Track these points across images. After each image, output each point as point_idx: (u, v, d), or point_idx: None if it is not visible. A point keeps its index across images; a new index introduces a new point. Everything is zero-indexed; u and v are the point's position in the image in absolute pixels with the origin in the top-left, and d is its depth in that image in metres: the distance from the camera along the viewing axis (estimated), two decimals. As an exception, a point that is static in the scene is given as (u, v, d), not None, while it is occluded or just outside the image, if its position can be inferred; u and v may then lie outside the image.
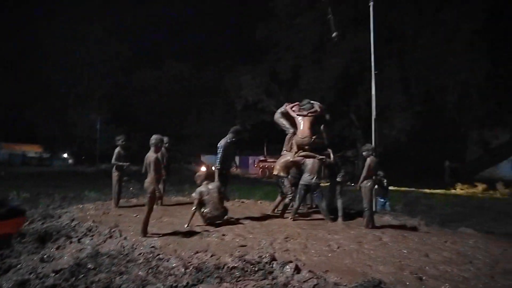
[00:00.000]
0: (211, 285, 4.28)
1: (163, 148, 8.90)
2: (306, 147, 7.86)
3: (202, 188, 6.90)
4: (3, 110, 40.85)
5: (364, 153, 7.42)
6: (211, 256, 4.90)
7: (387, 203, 10.88)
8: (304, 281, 4.21)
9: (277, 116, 8.70)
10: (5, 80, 39.25)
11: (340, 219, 7.68)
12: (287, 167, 8.13)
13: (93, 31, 39.95)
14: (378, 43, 10.62)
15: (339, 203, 7.87)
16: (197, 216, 6.83)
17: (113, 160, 8.70)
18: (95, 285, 4.51)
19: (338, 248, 5.59)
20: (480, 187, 21.36)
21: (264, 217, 7.85)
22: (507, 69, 23.59)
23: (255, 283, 4.20)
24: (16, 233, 6.52)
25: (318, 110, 8.19)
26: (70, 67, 40.25)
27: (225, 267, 4.56)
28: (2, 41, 42.39)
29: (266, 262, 4.62)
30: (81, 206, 8.99)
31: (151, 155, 6.09)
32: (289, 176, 8.21)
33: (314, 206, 8.64)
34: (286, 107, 8.59)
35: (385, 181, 10.61)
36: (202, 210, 6.84)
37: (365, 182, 7.23)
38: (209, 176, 7.30)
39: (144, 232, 6.01)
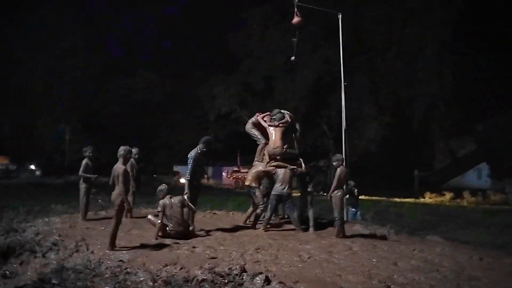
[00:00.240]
0: (180, 299, 4.22)
1: (132, 160, 8.77)
2: (278, 157, 7.90)
3: (166, 201, 6.80)
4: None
5: (334, 163, 7.51)
6: (181, 269, 4.83)
7: (358, 213, 10.99)
8: (274, 292, 4.20)
9: (249, 127, 8.72)
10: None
11: (311, 229, 7.72)
12: (259, 177, 8.14)
13: (62, 40, 39.16)
14: (349, 55, 10.86)
15: (310, 213, 7.92)
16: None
17: (80, 172, 8.49)
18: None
19: (308, 258, 5.61)
20: (448, 195, 21.97)
21: (235, 228, 7.81)
22: (472, 81, 24.50)
23: (225, 296, 4.16)
24: None
25: (289, 120, 8.27)
26: (38, 76, 39.19)
27: (195, 280, 4.51)
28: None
29: (236, 274, 4.58)
30: (47, 219, 8.68)
31: (119, 167, 5.97)
32: (261, 187, 8.21)
33: (286, 216, 8.64)
34: (258, 117, 8.63)
35: (356, 190, 10.74)
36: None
37: (335, 192, 7.31)
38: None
39: (112, 246, 5.87)
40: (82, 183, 8.56)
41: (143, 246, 6.09)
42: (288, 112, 8.60)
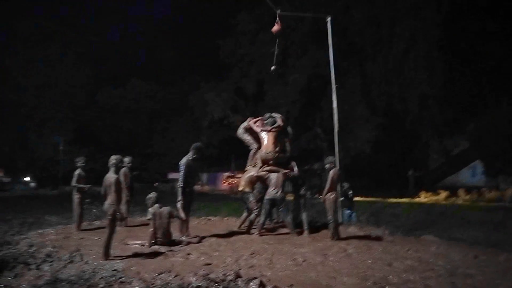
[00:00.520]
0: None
1: (126, 168, 8.77)
2: (270, 161, 7.92)
3: (156, 210, 6.79)
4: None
5: (326, 166, 7.53)
6: (175, 276, 4.81)
7: (353, 214, 11.02)
8: (269, 297, 4.20)
9: (240, 132, 8.74)
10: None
11: (306, 232, 7.73)
12: (252, 182, 8.16)
13: (53, 51, 39.11)
14: (339, 57, 10.88)
15: (304, 216, 7.93)
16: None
17: (73, 182, 8.48)
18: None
19: (303, 261, 5.62)
20: (443, 194, 21.96)
21: (230, 234, 7.81)
22: (463, 79, 24.67)
23: (220, 302, 4.15)
24: None
25: (281, 124, 8.29)
26: (30, 88, 39.05)
27: (189, 286, 4.49)
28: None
29: (231, 280, 4.57)
30: (40, 231, 8.65)
31: (111, 176, 5.97)
32: (255, 192, 8.22)
33: (280, 220, 8.65)
34: (249, 122, 8.65)
35: (350, 192, 10.77)
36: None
37: (329, 194, 7.33)
38: None
39: (106, 255, 5.85)
40: (75, 193, 8.55)
41: (137, 254, 6.07)
42: (280, 115, 8.63)
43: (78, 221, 8.57)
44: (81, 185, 8.47)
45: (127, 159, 8.88)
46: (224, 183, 31.04)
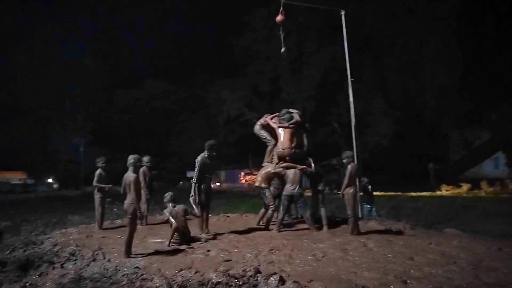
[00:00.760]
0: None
1: (145, 167, 8.88)
2: (287, 158, 7.90)
3: (171, 210, 6.85)
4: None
5: (344, 161, 7.48)
6: (195, 272, 4.85)
7: (373, 209, 10.92)
8: (289, 292, 4.19)
9: (257, 128, 8.74)
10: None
11: (325, 228, 7.69)
12: (268, 178, 8.16)
13: (71, 53, 39.89)
14: (354, 51, 10.75)
15: (323, 212, 7.89)
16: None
17: (94, 182, 8.61)
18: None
19: (323, 256, 5.59)
20: (465, 187, 21.65)
21: (249, 231, 7.82)
22: (482, 68, 24.15)
23: (240, 298, 4.17)
24: None
25: (299, 119, 8.26)
26: (49, 90, 39.82)
27: (210, 283, 4.52)
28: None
29: (251, 276, 4.58)
30: (64, 230, 8.83)
31: (130, 175, 6.04)
32: (272, 188, 8.22)
33: (299, 216, 8.63)
34: (266, 118, 8.65)
35: (369, 187, 10.69)
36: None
37: (347, 189, 7.27)
38: None
39: (128, 253, 5.93)
40: (96, 193, 8.68)
41: (158, 252, 6.14)
42: (298, 111, 8.59)
43: (100, 220, 8.70)
44: (102, 185, 8.60)
45: (146, 159, 8.98)
46: (241, 180, 31.18)
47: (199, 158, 7.40)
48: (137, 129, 40.38)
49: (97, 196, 8.67)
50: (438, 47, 23.38)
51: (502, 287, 4.37)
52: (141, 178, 8.22)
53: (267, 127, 8.58)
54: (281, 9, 9.41)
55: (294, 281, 4.36)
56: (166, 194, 7.14)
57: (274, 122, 8.40)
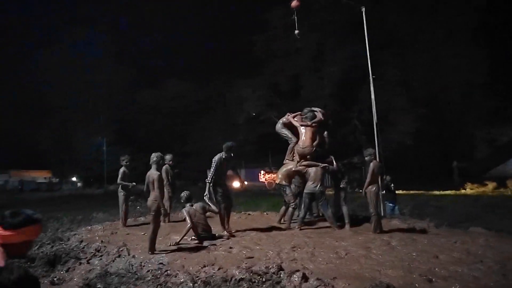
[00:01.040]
0: (220, 299, 4.28)
1: (167, 166, 8.98)
2: (308, 156, 7.88)
3: (189, 209, 6.87)
4: (9, 137, 41.40)
5: (366, 158, 7.42)
6: (219, 269, 4.90)
7: (396, 207, 10.80)
8: (312, 289, 4.19)
9: (279, 127, 8.75)
10: (10, 108, 39.94)
11: (347, 226, 7.65)
12: (289, 176, 8.16)
13: (94, 54, 40.72)
14: (376, 48, 10.64)
15: (345, 210, 7.85)
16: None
17: (118, 180, 8.77)
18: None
19: (346, 254, 5.57)
20: (490, 185, 21.11)
21: (271, 228, 7.84)
22: (508, 64, 23.55)
23: (263, 294, 4.19)
24: (34, 240, 6.54)
25: (322, 118, 8.23)
26: (73, 91, 40.72)
27: (233, 279, 4.56)
28: (3, 68, 43.35)
29: (273, 272, 4.59)
30: (89, 227, 9.01)
31: (153, 173, 6.14)
32: (293, 185, 8.22)
33: (320, 214, 8.60)
34: (288, 117, 8.65)
35: (392, 185, 10.58)
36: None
37: (370, 187, 7.21)
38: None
39: (152, 250, 6.02)
40: (120, 191, 8.84)
41: (181, 248, 6.22)
42: (321, 110, 8.57)
43: (124, 217, 8.86)
44: (126, 183, 8.74)
45: (168, 157, 9.08)
46: (261, 179, 31.19)
47: (216, 157, 7.38)
48: (158, 128, 40.81)
49: (121, 194, 8.82)
50: (462, 42, 22.88)
51: (531, 286, 4.27)
52: (164, 176, 8.32)
53: (289, 125, 8.58)
54: None
55: (317, 278, 4.35)
56: (182, 194, 7.20)
57: (296, 120, 8.40)
